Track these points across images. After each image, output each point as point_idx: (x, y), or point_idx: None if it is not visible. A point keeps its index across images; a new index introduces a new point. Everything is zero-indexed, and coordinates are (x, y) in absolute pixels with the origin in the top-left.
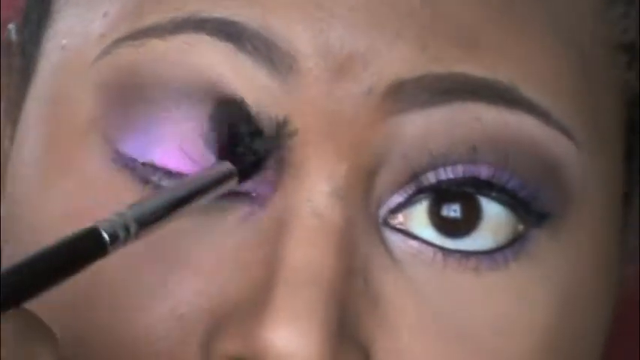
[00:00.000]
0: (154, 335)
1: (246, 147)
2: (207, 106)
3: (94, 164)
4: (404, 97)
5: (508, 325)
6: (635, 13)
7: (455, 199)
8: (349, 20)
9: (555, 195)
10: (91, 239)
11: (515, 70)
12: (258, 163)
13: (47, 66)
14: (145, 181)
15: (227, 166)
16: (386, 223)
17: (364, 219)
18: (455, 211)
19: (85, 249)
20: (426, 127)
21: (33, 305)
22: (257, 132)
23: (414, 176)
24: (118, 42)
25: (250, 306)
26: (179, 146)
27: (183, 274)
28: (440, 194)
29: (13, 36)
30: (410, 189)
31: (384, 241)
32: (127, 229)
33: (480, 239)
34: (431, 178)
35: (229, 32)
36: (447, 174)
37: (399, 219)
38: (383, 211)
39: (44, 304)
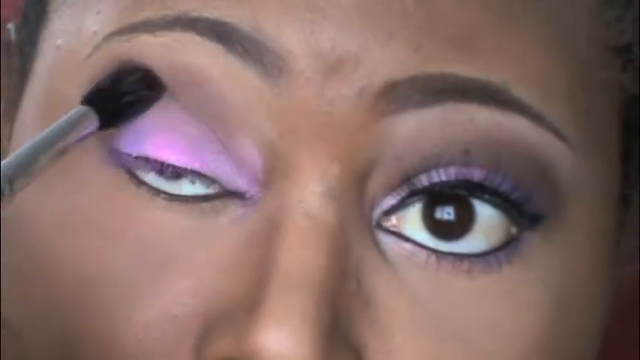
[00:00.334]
0: (147, 336)
1: (110, 92)
2: (191, 99)
3: (89, 163)
4: (397, 97)
5: (501, 327)
6: (631, 15)
7: (448, 202)
8: (341, 21)
9: (548, 197)
10: None
11: (510, 71)
12: (118, 108)
13: (43, 65)
14: (140, 182)
15: (84, 109)
16: (379, 226)
17: (357, 220)
18: (448, 213)
19: None
20: (419, 128)
21: (24, 306)
22: (119, 79)
23: (407, 178)
24: (108, 37)
25: (243, 307)
26: (167, 138)
27: (177, 276)
28: (433, 197)
29: (13, 36)
30: (403, 191)
31: (377, 243)
32: None
33: (473, 242)
34: (424, 180)
35: (219, 33)
36: (439, 176)
37: (393, 221)
38: (376, 213)
39: (37, 305)
